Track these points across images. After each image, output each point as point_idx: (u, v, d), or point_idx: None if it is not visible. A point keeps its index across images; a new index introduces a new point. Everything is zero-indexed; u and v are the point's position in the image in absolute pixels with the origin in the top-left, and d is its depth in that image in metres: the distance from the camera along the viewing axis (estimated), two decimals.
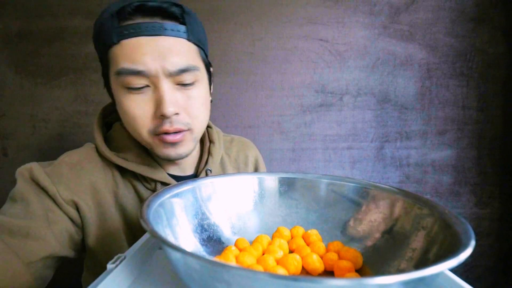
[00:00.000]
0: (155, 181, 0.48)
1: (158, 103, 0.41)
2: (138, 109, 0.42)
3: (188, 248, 0.33)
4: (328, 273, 0.33)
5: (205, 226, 0.38)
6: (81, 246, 0.48)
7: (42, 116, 0.90)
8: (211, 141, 0.56)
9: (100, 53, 0.44)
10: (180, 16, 0.41)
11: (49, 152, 0.91)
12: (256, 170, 0.65)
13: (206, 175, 0.53)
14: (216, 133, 0.58)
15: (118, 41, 0.39)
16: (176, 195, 0.36)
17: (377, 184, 0.39)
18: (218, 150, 0.56)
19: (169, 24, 0.40)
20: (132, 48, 0.39)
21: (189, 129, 0.45)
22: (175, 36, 0.41)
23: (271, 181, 0.44)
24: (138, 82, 0.40)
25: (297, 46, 0.92)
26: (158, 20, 0.40)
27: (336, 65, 0.92)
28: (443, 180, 0.94)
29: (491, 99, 0.93)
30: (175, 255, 0.23)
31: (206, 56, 0.48)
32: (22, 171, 0.46)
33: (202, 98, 0.45)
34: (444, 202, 0.95)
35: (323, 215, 0.41)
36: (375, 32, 0.91)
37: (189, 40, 0.42)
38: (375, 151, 0.94)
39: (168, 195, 0.35)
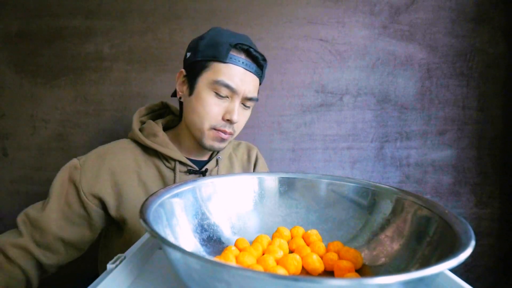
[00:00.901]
0: (175, 160, 0.62)
1: (230, 111, 0.59)
2: (213, 108, 0.58)
3: (188, 248, 0.33)
4: (328, 273, 0.33)
5: (205, 226, 0.38)
6: (104, 227, 0.62)
7: (42, 116, 0.90)
8: None
9: (202, 57, 0.58)
10: (262, 66, 0.61)
11: (49, 152, 0.91)
12: (255, 165, 0.77)
13: (217, 161, 0.68)
14: None
15: (227, 63, 0.57)
16: (176, 195, 0.36)
17: (377, 184, 0.39)
18: (228, 145, 0.71)
19: (256, 68, 0.60)
20: (234, 71, 0.57)
21: (232, 134, 0.62)
22: (256, 76, 0.61)
23: (271, 181, 0.44)
24: (225, 92, 0.58)
25: (297, 46, 0.92)
26: (252, 63, 0.59)
27: (336, 65, 0.92)
28: (443, 180, 0.94)
29: (491, 99, 0.93)
30: (175, 255, 0.23)
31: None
32: (64, 169, 0.60)
33: (247, 118, 0.65)
34: (444, 202, 0.95)
35: (323, 215, 0.41)
36: (375, 32, 0.91)
37: (260, 81, 0.63)
38: (375, 151, 0.94)
39: (168, 195, 0.35)
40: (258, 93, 0.65)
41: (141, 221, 0.26)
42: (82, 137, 0.91)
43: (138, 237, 0.58)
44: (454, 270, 0.27)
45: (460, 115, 0.93)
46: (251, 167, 0.76)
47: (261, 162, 0.78)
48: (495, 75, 0.92)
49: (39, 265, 0.57)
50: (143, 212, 0.28)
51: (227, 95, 0.58)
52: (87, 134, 0.91)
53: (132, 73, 0.90)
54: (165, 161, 0.63)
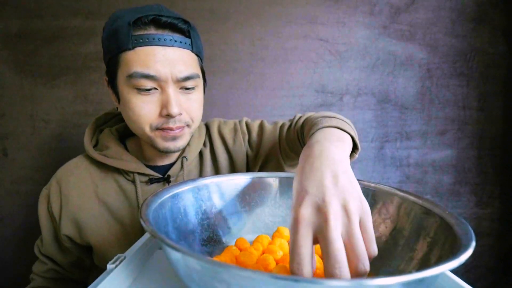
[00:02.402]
0: (133, 172, 0.55)
1: (165, 104, 0.47)
2: (144, 108, 0.47)
3: (188, 248, 0.33)
4: None
5: (205, 226, 0.38)
6: (84, 250, 0.60)
7: (42, 116, 0.90)
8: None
9: (110, 54, 0.49)
10: (186, 31, 0.48)
11: (49, 152, 0.91)
12: (249, 141, 0.62)
13: (182, 162, 0.57)
14: (198, 128, 0.62)
15: (133, 48, 0.45)
16: (176, 195, 0.36)
17: (377, 184, 0.39)
18: (196, 141, 0.60)
19: (178, 37, 0.47)
20: (146, 55, 0.45)
21: (187, 125, 0.52)
22: (182, 48, 0.48)
23: (271, 181, 0.44)
24: (148, 84, 0.46)
25: (297, 46, 0.91)
26: (169, 33, 0.47)
27: (336, 65, 0.92)
28: (443, 180, 0.94)
29: (491, 99, 0.93)
30: (175, 255, 0.23)
31: (202, 63, 0.56)
32: (40, 203, 0.58)
33: (199, 100, 0.53)
34: (444, 202, 0.95)
35: None
36: (375, 32, 0.91)
37: (192, 51, 0.50)
38: (375, 151, 0.94)
39: (168, 195, 0.35)
40: (202, 62, 0.54)
41: (141, 221, 0.26)
42: (82, 137, 0.90)
43: (106, 260, 0.54)
44: (454, 271, 0.27)
45: (460, 115, 0.93)
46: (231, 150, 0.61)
47: (254, 129, 0.63)
48: (495, 75, 0.92)
49: (71, 280, 0.63)
50: (143, 212, 0.28)
51: (153, 86, 0.47)
52: None
53: None
54: (124, 174, 0.55)
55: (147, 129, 0.49)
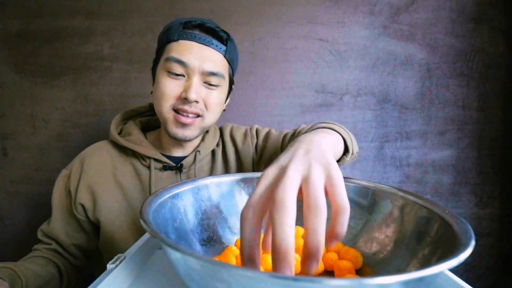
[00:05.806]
0: (149, 158, 0.61)
1: (186, 89, 0.54)
2: (169, 88, 0.55)
3: (188, 248, 0.33)
4: (328, 273, 0.33)
5: (205, 226, 0.38)
6: (95, 229, 0.64)
7: (42, 116, 0.90)
8: (207, 132, 0.68)
9: (160, 45, 0.59)
10: (224, 39, 0.58)
11: (49, 152, 0.91)
12: (256, 146, 0.67)
13: (195, 156, 0.63)
14: (213, 128, 0.70)
15: (177, 40, 0.55)
16: (176, 195, 0.36)
17: (377, 184, 0.39)
18: (211, 139, 0.67)
19: (216, 41, 0.57)
20: (185, 46, 0.55)
21: (201, 116, 0.57)
22: (217, 51, 0.57)
23: None
24: (178, 70, 0.54)
25: (297, 46, 0.92)
26: (209, 36, 0.56)
27: (336, 65, 0.92)
28: (443, 180, 0.94)
29: (491, 99, 0.93)
30: (175, 255, 0.23)
31: (233, 75, 0.64)
32: (58, 180, 0.63)
33: (219, 99, 0.59)
34: (444, 202, 0.95)
35: None
36: (375, 32, 0.91)
37: (225, 57, 0.59)
38: (375, 151, 0.94)
39: (168, 195, 0.35)
40: (233, 74, 0.62)
41: (141, 221, 0.26)
42: (82, 137, 0.91)
43: (111, 241, 0.59)
44: (454, 270, 0.27)
45: (460, 115, 0.93)
46: (241, 154, 0.66)
47: (262, 134, 0.68)
48: (495, 75, 0.92)
49: (72, 265, 0.63)
50: (143, 212, 0.28)
51: (182, 73, 0.55)
52: (87, 134, 0.91)
53: (132, 73, 0.90)
54: (141, 160, 0.62)
55: (166, 107, 0.56)
